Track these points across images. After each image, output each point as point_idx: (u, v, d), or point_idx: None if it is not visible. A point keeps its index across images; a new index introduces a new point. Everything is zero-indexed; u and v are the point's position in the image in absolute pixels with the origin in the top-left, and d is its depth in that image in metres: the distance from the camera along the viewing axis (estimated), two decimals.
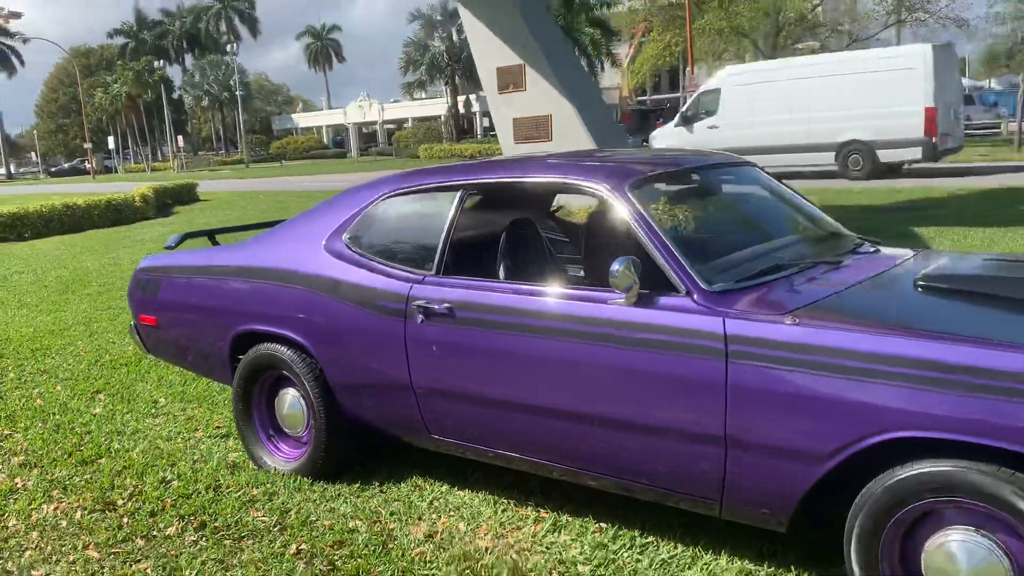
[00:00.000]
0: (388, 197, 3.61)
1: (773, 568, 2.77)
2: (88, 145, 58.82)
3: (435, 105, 66.43)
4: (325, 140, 75.30)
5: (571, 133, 10.09)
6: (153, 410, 4.91)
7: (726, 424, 2.55)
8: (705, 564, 2.84)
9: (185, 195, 23.46)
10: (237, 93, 61.32)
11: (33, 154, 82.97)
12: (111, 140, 60.74)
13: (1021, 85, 26.35)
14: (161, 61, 76.27)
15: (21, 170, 78.04)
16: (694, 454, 2.66)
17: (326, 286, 3.55)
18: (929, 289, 2.71)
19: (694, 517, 3.00)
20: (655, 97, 58.95)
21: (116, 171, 64.05)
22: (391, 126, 73.07)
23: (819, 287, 2.80)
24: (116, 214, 18.33)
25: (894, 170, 17.42)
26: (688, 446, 2.66)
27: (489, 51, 10.69)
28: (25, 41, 56.25)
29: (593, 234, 3.69)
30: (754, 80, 18.30)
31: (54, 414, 4.93)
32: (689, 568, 2.83)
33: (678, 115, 20.44)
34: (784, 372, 2.43)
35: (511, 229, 3.54)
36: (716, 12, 26.03)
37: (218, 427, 4.54)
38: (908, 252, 3.36)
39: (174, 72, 77.75)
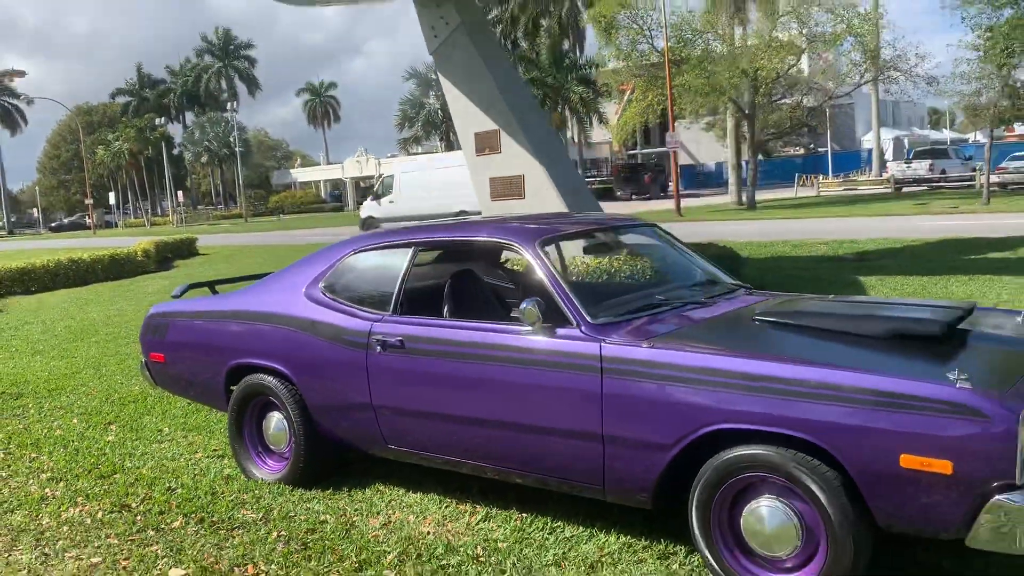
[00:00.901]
0: (356, 253, 4.47)
1: (648, 542, 3.54)
2: (89, 201, 60.10)
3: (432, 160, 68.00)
4: (323, 194, 76.75)
5: (542, 191, 10.98)
6: (159, 437, 5.68)
7: (603, 425, 3.35)
8: (598, 540, 3.61)
9: (185, 249, 24.35)
10: (236, 150, 62.82)
11: (35, 210, 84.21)
12: (112, 195, 61.98)
13: (988, 141, 27.42)
14: (162, 118, 78.10)
15: (17, 227, 79.09)
16: (584, 450, 3.45)
17: (305, 325, 4.38)
18: (760, 323, 3.54)
19: (595, 504, 3.77)
20: (645, 151, 60.48)
21: (116, 226, 65.17)
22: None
23: (679, 321, 3.63)
24: (119, 268, 19.19)
25: None
26: (580, 443, 3.45)
27: (468, 117, 11.64)
28: (30, 102, 57.79)
29: (523, 280, 4.54)
30: (412, 170, 28.62)
31: (73, 441, 5.69)
32: (586, 543, 3.59)
33: (372, 193, 29.93)
34: (640, 383, 3.24)
35: (454, 278, 4.38)
36: (694, 72, 27.27)
37: (215, 450, 5.30)
38: (769, 294, 4.20)
39: (174, 129, 79.63)
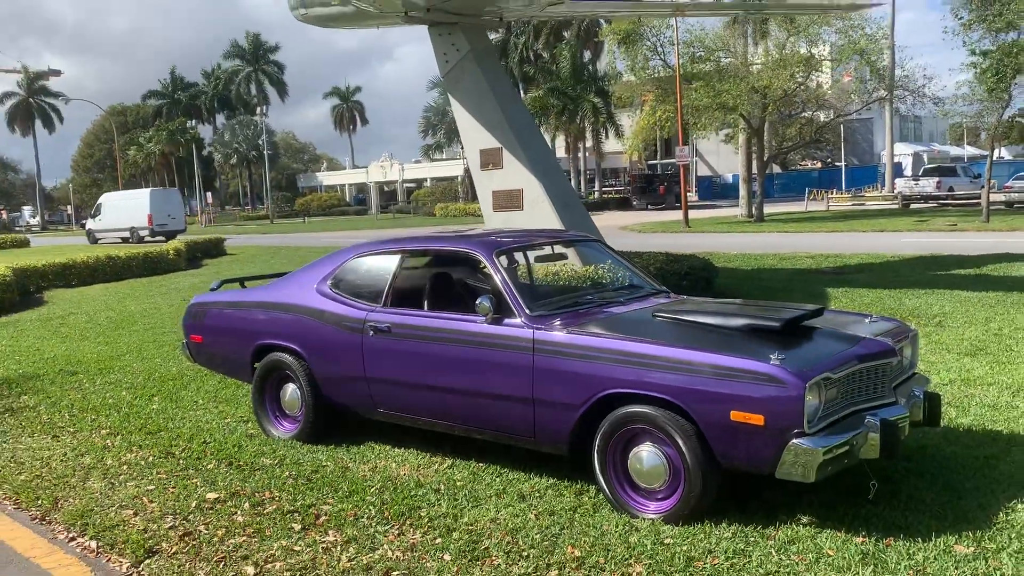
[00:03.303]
0: (357, 257, 5.63)
1: (569, 483, 4.64)
2: None
3: (453, 166, 69.34)
4: (347, 198, 78.36)
5: (538, 203, 12.10)
6: (195, 406, 6.86)
7: (532, 391, 4.46)
8: (532, 481, 4.71)
9: (213, 249, 25.74)
10: (265, 152, 64.51)
11: (68, 207, 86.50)
12: None
13: (988, 160, 28.17)
14: (193, 120, 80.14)
15: (51, 223, 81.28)
16: (521, 410, 4.56)
17: (315, 314, 5.53)
18: (657, 317, 4.63)
19: (533, 454, 4.88)
20: (664, 162, 61.43)
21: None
22: (411, 185, 76.06)
23: (596, 315, 4.74)
24: (153, 265, 20.56)
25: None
26: (518, 405, 4.56)
27: (474, 135, 12.79)
28: (67, 102, 59.78)
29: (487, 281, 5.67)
30: (111, 199, 40.21)
31: (123, 408, 6.88)
32: (523, 483, 4.69)
33: (92, 212, 40.62)
34: (559, 359, 4.36)
35: (432, 278, 5.52)
36: (703, 89, 28.29)
37: (241, 417, 6.45)
38: (684, 298, 5.31)
39: (204, 130, 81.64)
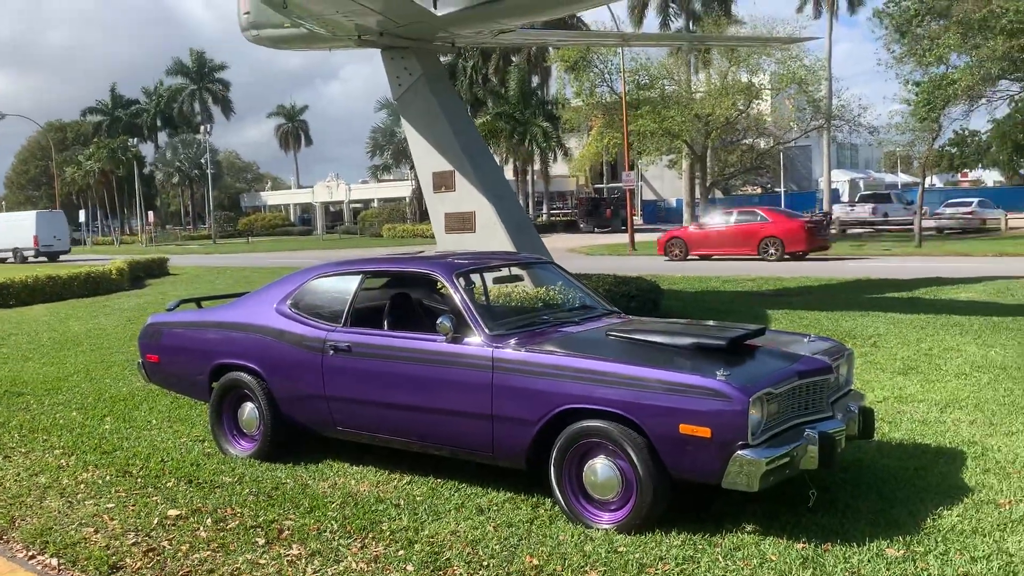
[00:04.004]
0: (317, 278, 5.74)
1: (526, 496, 4.80)
2: None
3: (401, 187, 69.28)
4: (292, 218, 77.66)
5: (490, 226, 12.30)
6: (148, 426, 6.85)
7: (492, 408, 4.63)
8: (489, 495, 4.86)
9: (156, 269, 25.35)
10: (208, 171, 63.67)
11: None
12: (82, 214, 62.40)
13: (920, 187, 29.37)
14: (135, 138, 78.67)
15: None
16: (481, 426, 4.72)
17: (275, 334, 5.62)
18: (610, 336, 4.85)
19: (491, 470, 5.03)
20: (611, 185, 62.38)
21: (85, 243, 65.45)
22: (358, 205, 75.74)
23: (552, 334, 4.93)
24: (94, 285, 20.16)
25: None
26: (478, 422, 4.72)
27: (426, 158, 12.96)
28: (1, 117, 58.09)
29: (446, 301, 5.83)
30: None
31: (75, 428, 6.83)
32: (480, 497, 4.84)
33: None
34: (517, 376, 4.54)
35: (392, 299, 5.66)
36: (649, 115, 28.99)
37: (197, 436, 6.47)
38: (634, 319, 5.54)
39: (146, 148, 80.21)
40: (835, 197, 52.08)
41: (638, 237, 33.78)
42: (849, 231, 37.13)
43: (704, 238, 24.58)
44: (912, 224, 35.70)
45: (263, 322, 5.72)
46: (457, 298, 5.00)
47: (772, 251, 22.86)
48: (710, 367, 4.16)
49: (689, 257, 24.49)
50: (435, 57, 13.68)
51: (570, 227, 50.93)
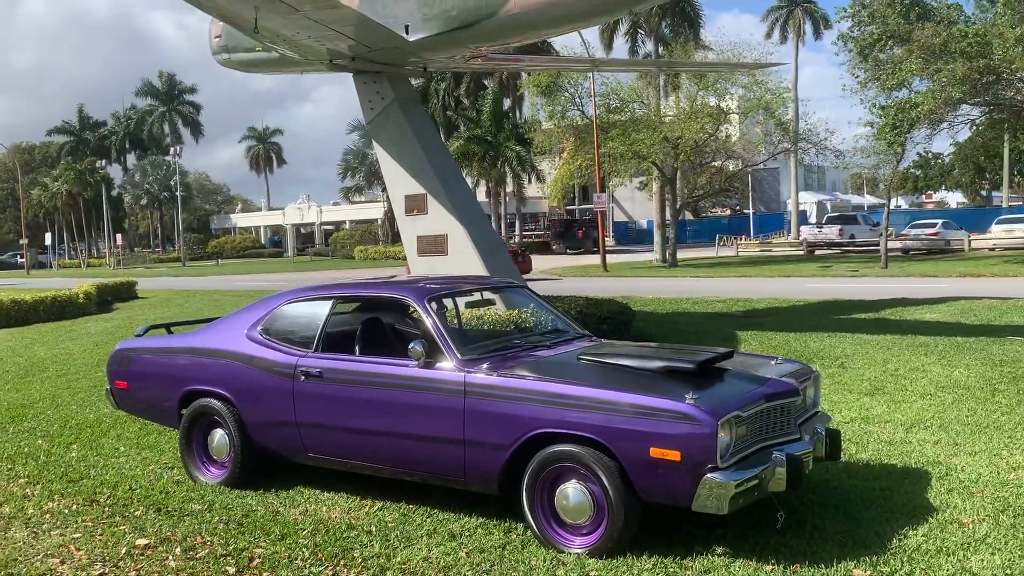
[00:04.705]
0: (287, 303, 5.74)
1: (498, 521, 4.81)
2: (24, 240, 59.63)
3: (372, 208, 69.13)
4: (263, 240, 77.15)
5: (462, 249, 12.34)
6: (116, 453, 6.76)
7: (464, 432, 4.64)
8: (461, 520, 4.86)
9: (125, 293, 25.04)
10: (177, 193, 63.16)
11: None
12: (48, 236, 61.58)
13: (885, 209, 29.89)
14: (103, 160, 77.89)
15: None
16: (453, 451, 4.72)
17: (245, 359, 5.60)
18: (581, 360, 4.89)
19: (463, 495, 5.03)
20: (583, 207, 62.76)
21: (51, 266, 64.53)
22: (329, 227, 75.45)
23: (524, 359, 4.96)
24: (60, 309, 19.87)
25: None
26: (450, 447, 4.73)
27: (399, 181, 12.99)
28: None
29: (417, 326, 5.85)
30: None
31: (41, 457, 6.73)
32: (453, 522, 4.84)
33: None
34: (490, 401, 4.56)
35: (364, 324, 5.66)
36: (619, 138, 29.29)
37: (166, 463, 6.40)
38: (606, 342, 5.59)
39: (114, 170, 79.41)
40: (803, 218, 52.87)
41: (610, 259, 34.04)
42: (817, 252, 37.68)
43: None
44: (878, 245, 36.46)
45: (233, 348, 5.69)
46: (428, 323, 5.02)
47: None
48: (679, 390, 4.21)
49: None
50: (407, 81, 13.76)
51: (543, 248, 51.08)
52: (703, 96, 31.22)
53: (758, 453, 4.29)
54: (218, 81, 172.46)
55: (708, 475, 3.98)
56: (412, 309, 5.27)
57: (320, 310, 5.55)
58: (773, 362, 5.13)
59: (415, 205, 12.94)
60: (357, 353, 5.47)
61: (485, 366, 4.76)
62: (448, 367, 4.79)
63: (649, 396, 4.20)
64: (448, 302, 5.73)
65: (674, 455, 4.03)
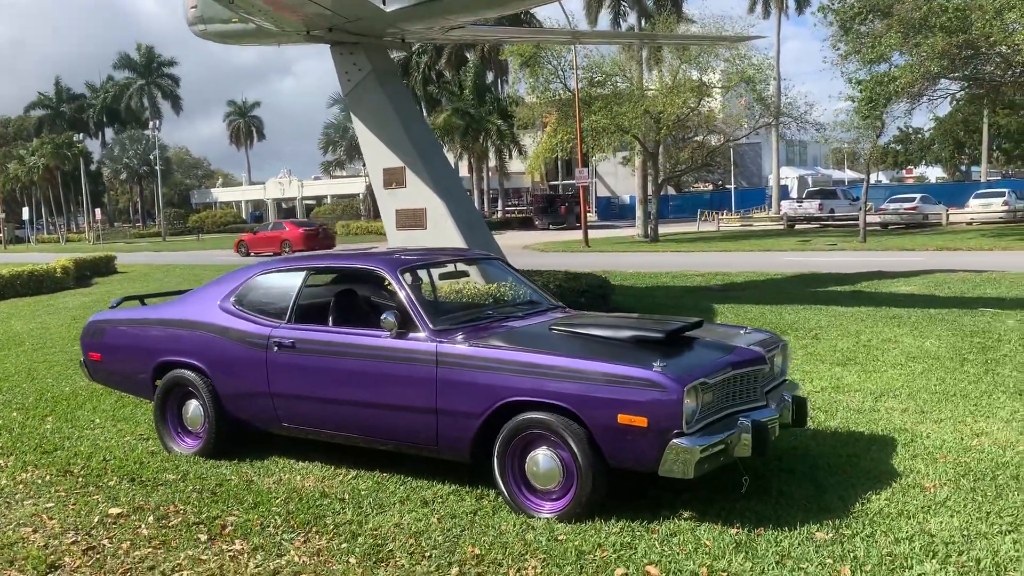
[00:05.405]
0: (260, 275, 5.73)
1: (470, 488, 4.86)
2: (0, 215, 58.88)
3: (354, 183, 68.76)
4: (244, 214, 76.58)
5: (441, 223, 12.32)
6: (91, 425, 6.76)
7: (436, 402, 4.68)
8: (434, 487, 4.91)
9: (104, 267, 24.87)
10: (157, 168, 62.51)
11: None
12: (25, 211, 60.83)
13: (864, 183, 30.04)
14: (80, 133, 76.88)
15: None
16: (425, 420, 4.76)
17: (219, 331, 5.60)
18: (553, 330, 4.93)
19: (436, 463, 5.08)
20: (566, 182, 62.67)
21: (28, 241, 63.83)
22: (311, 202, 75.03)
23: (496, 329, 5.00)
24: (38, 284, 19.74)
25: None
26: (422, 416, 4.76)
27: (377, 154, 12.93)
28: None
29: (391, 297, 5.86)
30: None
31: (15, 428, 6.72)
32: (425, 490, 4.89)
33: None
34: (462, 370, 4.59)
35: (337, 296, 5.67)
36: (601, 111, 29.22)
37: (141, 434, 6.41)
38: (578, 313, 5.63)
39: (93, 144, 78.43)
40: (785, 193, 53.03)
41: (592, 234, 34.08)
42: (797, 226, 37.87)
43: (255, 240, 35.39)
44: (857, 220, 36.71)
45: (207, 319, 5.69)
46: (401, 293, 5.03)
47: (288, 250, 32.22)
48: (647, 359, 4.26)
49: (250, 254, 33.71)
50: (385, 53, 13.64)
51: (525, 224, 51.06)
52: (685, 70, 31.14)
53: (724, 420, 4.35)
54: (199, 55, 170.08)
55: (674, 441, 4.05)
56: (385, 280, 5.28)
57: (293, 281, 5.55)
58: (742, 331, 5.18)
59: (393, 178, 12.89)
60: (330, 324, 5.48)
61: (457, 336, 4.79)
62: (420, 337, 4.81)
63: (617, 364, 4.24)
64: (423, 274, 5.74)
65: (641, 421, 4.08)
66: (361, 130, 13.12)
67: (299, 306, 5.45)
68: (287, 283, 5.58)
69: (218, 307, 5.69)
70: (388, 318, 4.82)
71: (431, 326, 4.84)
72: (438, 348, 4.72)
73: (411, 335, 4.85)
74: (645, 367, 4.16)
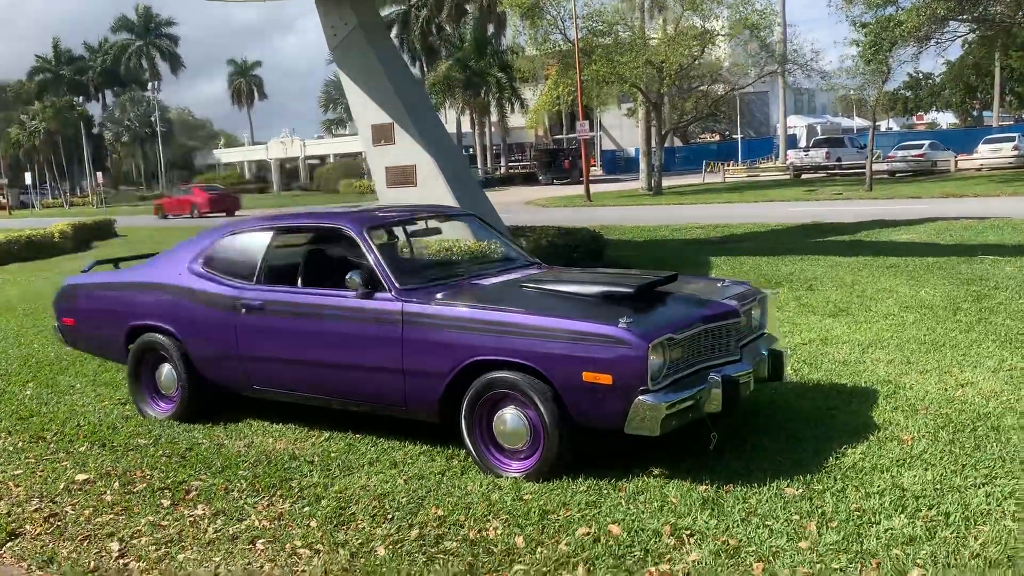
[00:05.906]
0: (228, 235, 5.61)
1: (441, 449, 4.79)
2: (3, 180, 58.79)
3: (357, 142, 68.04)
4: (247, 175, 76.28)
5: (431, 180, 12.15)
6: (71, 391, 6.71)
7: (403, 362, 4.59)
8: (405, 448, 4.85)
9: (104, 231, 24.80)
10: (158, 129, 62.14)
11: None
12: (28, 176, 60.72)
13: (871, 131, 29.57)
14: (80, 96, 76.39)
15: None
16: (393, 381, 4.68)
17: (187, 293, 5.51)
18: (523, 287, 4.81)
19: (407, 425, 5.01)
20: (570, 136, 62.00)
21: (33, 207, 63.82)
22: (313, 161, 74.54)
23: (464, 287, 4.88)
24: (36, 249, 19.71)
25: None
26: (390, 376, 4.68)
27: (365, 111, 12.72)
28: None
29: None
30: None
31: None
32: (396, 451, 4.83)
33: None
34: (428, 330, 4.49)
35: (306, 256, 5.56)
36: (601, 61, 28.73)
37: (119, 399, 6.35)
38: (555, 268, 5.51)
39: (94, 107, 77.97)
40: (793, 142, 52.32)
41: (596, 188, 33.77)
42: (803, 176, 37.43)
43: (172, 204, 39.06)
44: (864, 168, 36.22)
45: (175, 282, 5.60)
46: (368, 253, 4.91)
47: (195, 214, 35.94)
48: (613, 315, 4.14)
49: (167, 216, 37.45)
50: (371, 6, 13.37)
51: (529, 179, 50.67)
52: (688, 16, 30.53)
53: (695, 375, 4.25)
54: (200, 14, 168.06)
55: (640, 398, 3.95)
56: (352, 239, 5.14)
57: (261, 241, 5.43)
58: (719, 284, 5.06)
59: (382, 135, 12.70)
60: (299, 285, 5.38)
61: (424, 295, 4.68)
62: (386, 297, 4.71)
63: (582, 321, 4.13)
64: (393, 232, 5.60)
65: (606, 379, 3.98)
66: (349, 86, 12.89)
67: (268, 267, 5.34)
68: (255, 243, 5.47)
69: (187, 269, 5.59)
70: (353, 278, 4.71)
71: (397, 285, 4.73)
72: (404, 307, 4.61)
73: (377, 295, 4.74)
74: (611, 323, 4.04)
